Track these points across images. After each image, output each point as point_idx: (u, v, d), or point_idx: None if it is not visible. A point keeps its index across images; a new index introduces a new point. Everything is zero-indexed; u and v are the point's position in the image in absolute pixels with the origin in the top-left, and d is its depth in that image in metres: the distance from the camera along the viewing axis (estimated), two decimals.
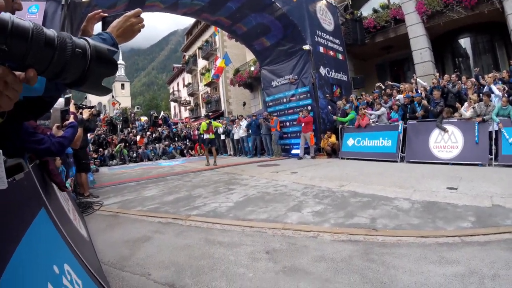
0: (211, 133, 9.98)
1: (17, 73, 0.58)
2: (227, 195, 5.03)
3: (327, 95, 11.57)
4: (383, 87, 10.85)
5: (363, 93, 11.60)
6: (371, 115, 9.43)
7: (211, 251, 2.67)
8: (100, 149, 15.24)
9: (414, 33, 12.77)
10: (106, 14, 1.20)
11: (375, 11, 14.41)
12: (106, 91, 0.68)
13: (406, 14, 12.90)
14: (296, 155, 10.96)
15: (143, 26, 1.09)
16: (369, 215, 3.43)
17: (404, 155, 8.12)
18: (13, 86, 0.56)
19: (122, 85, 72.38)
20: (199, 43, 30.58)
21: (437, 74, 9.73)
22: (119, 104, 24.41)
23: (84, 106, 4.44)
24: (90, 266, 1.73)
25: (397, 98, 9.04)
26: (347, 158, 9.39)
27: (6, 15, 0.51)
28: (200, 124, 13.64)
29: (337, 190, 4.76)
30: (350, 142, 9.63)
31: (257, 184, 5.93)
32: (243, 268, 2.28)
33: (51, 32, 0.56)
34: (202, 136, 10.23)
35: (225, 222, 3.48)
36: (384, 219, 3.26)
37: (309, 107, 11.08)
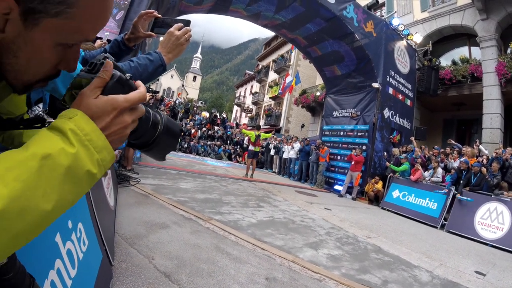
0: (257, 146, 10.11)
1: None
2: (254, 211, 5.05)
3: (390, 137, 11.09)
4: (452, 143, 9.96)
5: (423, 146, 10.86)
6: (425, 178, 8.76)
7: (216, 258, 2.73)
8: None
9: (489, 95, 11.62)
10: (159, 15, 1.26)
11: (454, 63, 13.41)
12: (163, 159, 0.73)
13: (484, 73, 11.80)
14: (338, 192, 10.61)
15: (190, 36, 1.16)
16: (383, 276, 3.19)
17: (446, 223, 7.42)
18: None
19: (194, 77, 76.80)
20: (274, 55, 31.33)
21: (501, 145, 8.73)
22: (187, 94, 26.03)
23: (150, 90, 4.81)
24: (103, 232, 1.91)
25: (462, 160, 8.26)
26: (388, 210, 8.85)
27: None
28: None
29: (362, 240, 4.51)
30: (396, 193, 9.07)
31: (287, 209, 5.86)
32: (237, 285, 2.30)
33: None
34: (247, 144, 10.35)
35: (241, 236, 3.51)
36: (396, 285, 3.02)
37: (364, 147, 10.70)
